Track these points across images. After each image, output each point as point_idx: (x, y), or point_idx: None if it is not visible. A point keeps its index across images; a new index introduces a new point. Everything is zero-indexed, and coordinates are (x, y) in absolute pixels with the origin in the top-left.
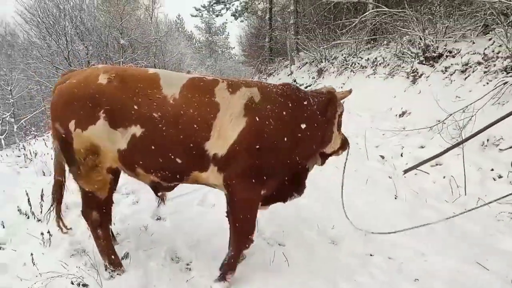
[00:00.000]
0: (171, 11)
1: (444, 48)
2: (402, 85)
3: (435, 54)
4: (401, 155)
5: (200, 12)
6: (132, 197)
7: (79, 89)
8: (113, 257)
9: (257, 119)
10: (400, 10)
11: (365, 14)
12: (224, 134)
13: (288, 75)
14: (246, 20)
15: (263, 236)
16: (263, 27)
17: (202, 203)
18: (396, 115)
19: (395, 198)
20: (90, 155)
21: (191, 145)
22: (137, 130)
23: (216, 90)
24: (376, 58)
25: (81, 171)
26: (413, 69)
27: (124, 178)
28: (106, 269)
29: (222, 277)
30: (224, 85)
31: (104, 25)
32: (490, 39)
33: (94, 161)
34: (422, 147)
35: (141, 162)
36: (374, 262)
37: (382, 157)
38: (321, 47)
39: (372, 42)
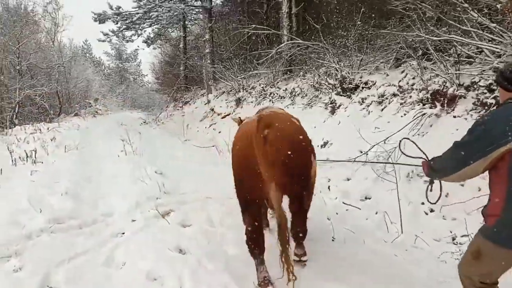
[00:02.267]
0: (77, 35)
1: (360, 80)
2: (321, 116)
3: (352, 86)
4: (329, 189)
5: (108, 37)
6: (14, 262)
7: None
8: None
9: None
10: (314, 43)
11: (280, 46)
12: None
13: (205, 104)
14: (159, 47)
15: None
16: (178, 55)
17: (108, 263)
18: (318, 146)
19: (333, 240)
20: None
21: None
22: None
23: None
24: (294, 89)
25: None
26: (331, 100)
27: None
28: None
29: None
30: None
31: None
32: (402, 71)
33: None
34: (348, 179)
35: None
36: None
37: None
38: (239, 77)
39: (288, 73)
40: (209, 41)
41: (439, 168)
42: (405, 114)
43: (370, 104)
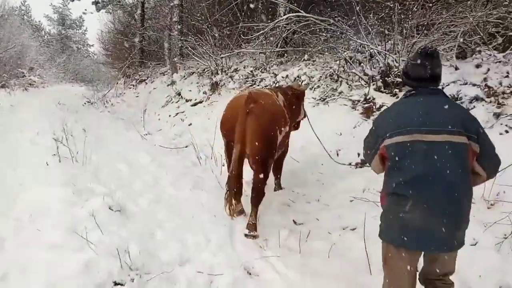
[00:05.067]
0: None
1: None
2: (348, 117)
3: (399, 79)
4: None
5: None
6: None
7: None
8: None
9: None
10: (325, 18)
11: (281, 19)
12: None
13: (168, 85)
14: (110, 13)
15: None
16: (133, 24)
17: None
18: (352, 165)
19: None
20: None
21: None
22: None
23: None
24: (299, 76)
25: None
26: (367, 96)
27: None
28: None
29: None
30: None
31: None
32: (477, 66)
33: None
34: None
35: None
36: None
37: None
38: (222, 55)
39: (285, 55)
40: (178, 7)
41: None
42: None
43: None
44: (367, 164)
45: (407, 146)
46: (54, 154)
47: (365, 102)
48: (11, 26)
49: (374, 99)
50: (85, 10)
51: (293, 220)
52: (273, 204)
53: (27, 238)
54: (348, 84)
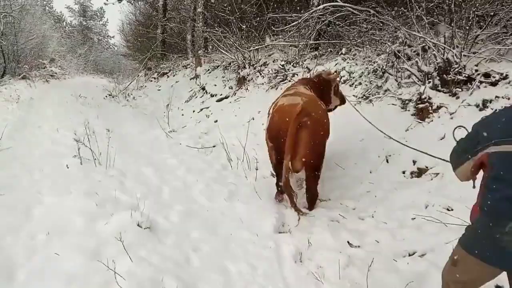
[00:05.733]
0: None
1: (475, 69)
2: (398, 120)
3: (461, 78)
4: None
5: None
6: None
7: None
8: None
9: None
10: (364, 8)
11: (316, 9)
12: None
13: (191, 79)
14: (131, 3)
15: None
16: (155, 16)
17: None
18: (405, 173)
19: None
20: None
21: None
22: None
23: None
24: (337, 72)
25: None
26: (422, 96)
27: None
28: None
29: None
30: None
31: None
32: None
33: None
34: None
35: None
36: None
37: None
38: (251, 48)
39: (319, 48)
40: None
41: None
42: None
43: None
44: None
45: None
46: (75, 156)
47: (419, 102)
48: (33, 16)
49: (430, 98)
50: (106, 0)
51: (348, 242)
52: (321, 220)
53: (42, 264)
54: (397, 81)
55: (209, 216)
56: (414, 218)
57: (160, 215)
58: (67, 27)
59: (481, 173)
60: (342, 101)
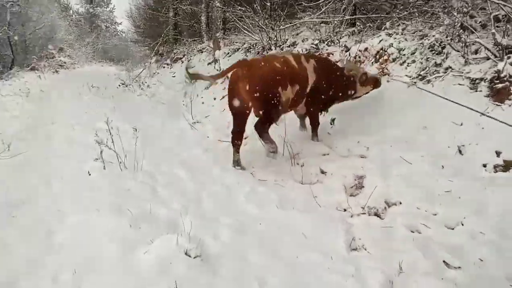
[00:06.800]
0: None
1: None
2: (468, 103)
3: None
4: None
5: None
6: None
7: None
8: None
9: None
10: None
11: None
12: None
13: (208, 64)
14: None
15: None
16: None
17: None
18: (488, 168)
19: None
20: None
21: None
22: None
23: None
24: (382, 49)
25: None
26: (502, 75)
27: None
28: None
29: None
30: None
31: None
32: None
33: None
34: None
35: None
36: None
37: None
38: (282, 26)
39: (357, 24)
40: None
41: None
42: None
43: None
44: None
45: None
46: (97, 159)
47: (498, 80)
48: (39, 5)
49: (511, 77)
50: None
51: (444, 261)
52: (399, 231)
53: None
54: (464, 57)
55: (264, 231)
56: None
57: (208, 235)
58: (74, 15)
59: None
60: (375, 85)
